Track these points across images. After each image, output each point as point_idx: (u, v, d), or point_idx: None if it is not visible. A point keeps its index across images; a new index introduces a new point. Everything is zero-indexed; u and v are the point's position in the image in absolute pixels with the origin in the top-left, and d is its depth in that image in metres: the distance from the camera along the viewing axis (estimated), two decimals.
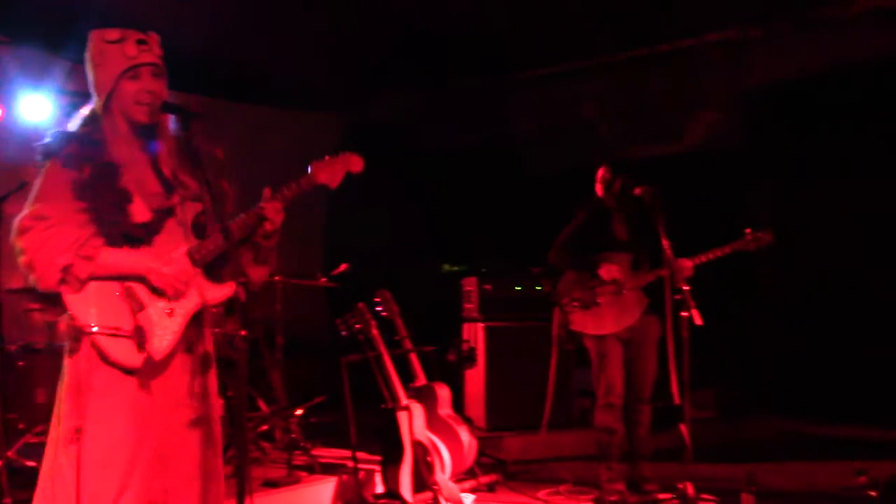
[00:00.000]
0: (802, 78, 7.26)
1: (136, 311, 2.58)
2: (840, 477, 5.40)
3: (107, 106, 2.65)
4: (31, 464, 4.57)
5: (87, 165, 2.59)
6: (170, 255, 2.63)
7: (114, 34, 2.64)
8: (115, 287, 2.58)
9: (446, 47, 7.78)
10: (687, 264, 4.90)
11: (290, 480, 4.82)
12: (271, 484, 4.74)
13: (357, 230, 9.00)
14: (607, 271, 4.99)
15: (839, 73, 7.03)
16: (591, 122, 8.45)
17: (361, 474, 5.01)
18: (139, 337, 2.54)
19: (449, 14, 7.01)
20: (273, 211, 2.69)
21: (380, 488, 5.10)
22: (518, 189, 8.67)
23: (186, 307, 2.64)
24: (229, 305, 2.71)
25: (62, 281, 2.51)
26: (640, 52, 8.04)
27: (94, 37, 2.67)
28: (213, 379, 2.75)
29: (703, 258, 4.93)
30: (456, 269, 9.05)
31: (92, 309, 2.54)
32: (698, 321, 4.52)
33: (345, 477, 4.99)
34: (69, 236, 2.51)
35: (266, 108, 8.93)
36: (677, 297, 4.61)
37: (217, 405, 2.77)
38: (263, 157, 8.63)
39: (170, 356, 2.62)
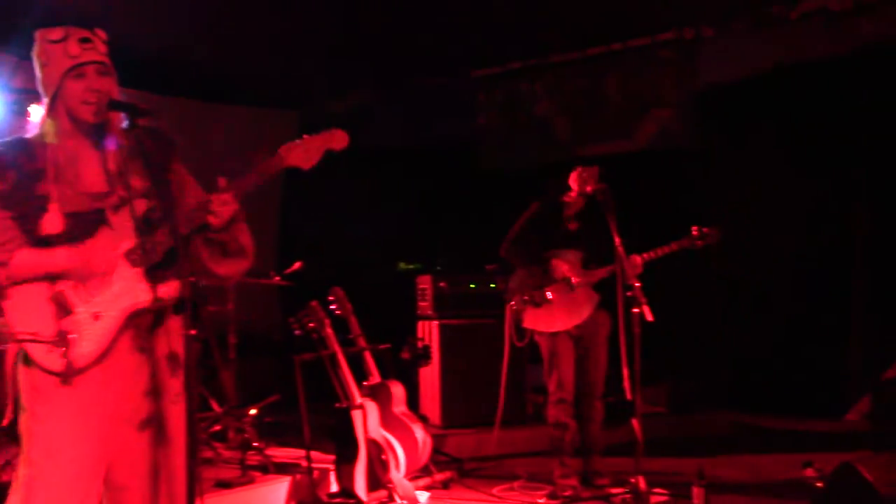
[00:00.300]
0: (752, 77, 7.38)
1: (62, 315, 2.53)
2: (788, 469, 5.52)
3: (53, 106, 2.60)
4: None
5: (12, 173, 2.55)
6: (102, 255, 2.57)
7: (56, 33, 2.59)
8: (43, 292, 2.54)
9: (403, 45, 7.78)
10: (637, 261, 4.97)
11: (243, 481, 4.78)
12: (224, 484, 4.70)
13: (311, 228, 8.97)
14: (558, 269, 5.04)
15: (787, 72, 7.17)
16: (545, 119, 8.51)
17: (316, 473, 4.99)
18: (61, 342, 2.49)
19: (405, 12, 7.00)
20: (218, 203, 2.57)
21: (334, 487, 5.09)
22: (473, 186, 8.70)
23: (117, 309, 2.57)
24: (178, 304, 2.65)
25: None
26: (594, 51, 8.12)
27: (38, 37, 2.63)
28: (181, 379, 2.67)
29: (653, 255, 5.00)
30: (411, 267, 9.05)
31: (17, 313, 2.53)
32: (649, 317, 4.58)
33: (299, 476, 4.96)
34: None
35: (223, 105, 8.87)
36: (629, 293, 4.67)
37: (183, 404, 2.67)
38: (220, 154, 8.59)
39: (103, 358, 2.55)
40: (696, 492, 4.67)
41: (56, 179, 2.56)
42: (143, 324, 2.62)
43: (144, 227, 2.60)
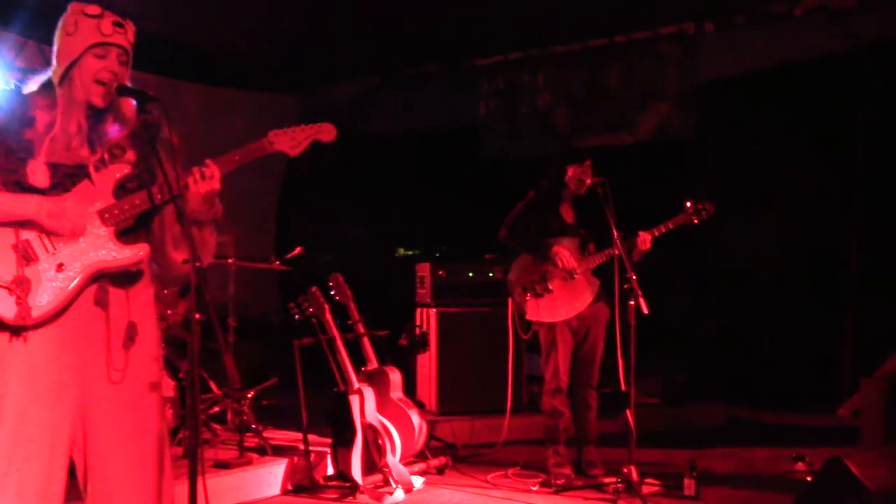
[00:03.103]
0: (752, 71, 7.42)
1: (25, 262, 2.51)
2: (779, 462, 5.59)
3: (67, 73, 2.63)
4: None
5: (0, 115, 2.58)
6: (71, 206, 2.56)
7: (94, 9, 2.63)
8: (9, 236, 2.53)
9: (404, 32, 7.80)
10: (647, 237, 5.00)
11: (241, 462, 4.84)
12: (222, 465, 4.77)
13: (311, 213, 9.00)
14: (560, 259, 5.08)
15: (787, 67, 7.21)
16: (545, 110, 8.54)
17: (312, 456, 5.05)
18: (19, 289, 2.47)
19: None
20: (200, 173, 2.62)
21: (330, 470, 5.15)
22: (473, 175, 8.74)
23: (83, 264, 2.55)
24: (184, 288, 2.69)
25: None
26: (596, 43, 8.14)
27: (73, 7, 2.66)
28: (140, 351, 2.64)
29: (656, 232, 5.02)
30: (410, 253, 9.09)
31: None
32: (645, 310, 4.64)
33: (296, 459, 5.03)
34: None
35: (224, 89, 8.89)
36: (625, 286, 4.73)
37: (149, 373, 2.66)
38: (221, 138, 8.61)
39: (60, 316, 2.53)
40: (688, 483, 4.75)
41: (45, 131, 2.58)
42: (105, 285, 2.60)
43: (122, 190, 2.63)
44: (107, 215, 2.60)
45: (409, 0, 7.02)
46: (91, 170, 2.62)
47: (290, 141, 2.75)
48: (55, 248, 2.56)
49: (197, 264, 2.48)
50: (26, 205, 2.52)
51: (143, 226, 2.68)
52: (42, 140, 2.58)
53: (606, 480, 4.97)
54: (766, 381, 7.44)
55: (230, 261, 5.56)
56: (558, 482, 5.02)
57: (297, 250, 5.90)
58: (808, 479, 5.02)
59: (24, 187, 2.54)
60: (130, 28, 2.68)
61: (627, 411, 4.73)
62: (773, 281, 7.59)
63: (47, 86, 2.67)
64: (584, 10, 7.33)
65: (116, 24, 2.64)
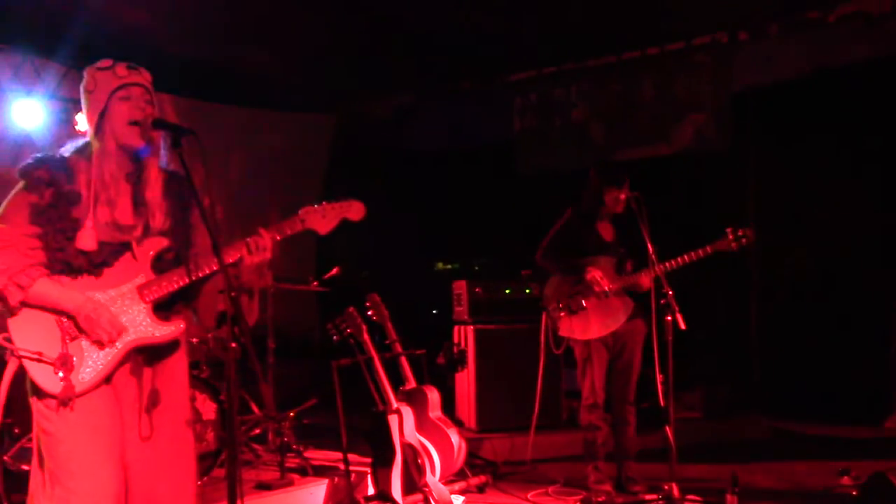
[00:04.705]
0: (787, 81, 7.35)
1: (69, 339, 2.63)
2: (824, 476, 5.50)
3: (99, 128, 2.71)
4: (26, 468, 4.62)
5: (49, 191, 2.65)
6: (114, 289, 2.67)
7: (105, 63, 2.74)
8: (52, 314, 2.64)
9: (440, 49, 7.85)
10: (645, 281, 4.96)
11: (282, 483, 4.88)
12: (264, 486, 4.81)
13: (349, 232, 9.06)
14: (592, 278, 5.06)
15: (823, 75, 7.13)
16: (580, 124, 8.53)
17: (353, 476, 5.08)
18: (63, 366, 2.59)
19: (441, 16, 7.07)
20: (254, 244, 2.70)
21: (371, 490, 5.16)
22: (508, 190, 8.75)
23: (123, 341, 2.66)
24: (220, 317, 2.76)
25: None
26: (629, 56, 8.13)
27: (87, 71, 2.77)
28: (166, 413, 2.77)
29: (679, 261, 4.95)
30: (449, 267, 9.12)
31: (23, 330, 2.62)
32: (682, 326, 4.61)
33: (336, 479, 5.06)
34: (9, 261, 2.59)
35: (262, 110, 9.01)
36: (662, 301, 4.70)
37: (176, 433, 2.78)
38: (260, 159, 8.74)
39: (103, 385, 2.65)
40: (730, 499, 4.69)
41: (91, 204, 2.67)
42: (141, 358, 2.73)
43: (160, 261, 2.72)
44: (146, 291, 2.70)
45: (442, 17, 7.07)
46: (133, 244, 2.71)
47: (321, 219, 2.82)
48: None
49: (233, 294, 2.53)
50: (68, 303, 2.63)
51: (180, 299, 2.77)
52: (87, 213, 2.66)
53: (648, 497, 4.94)
54: (811, 393, 7.33)
55: (268, 283, 5.62)
56: (599, 499, 5.00)
57: (335, 271, 5.95)
58: (854, 493, 4.94)
59: (71, 266, 2.64)
60: (145, 71, 2.77)
61: (667, 427, 4.70)
62: (815, 292, 7.50)
63: (84, 148, 2.75)
64: (617, 24, 7.33)
65: (130, 66, 2.73)
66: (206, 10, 6.79)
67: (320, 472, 5.20)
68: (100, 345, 2.64)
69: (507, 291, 6.79)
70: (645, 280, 5.00)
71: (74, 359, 2.61)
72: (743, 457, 6.12)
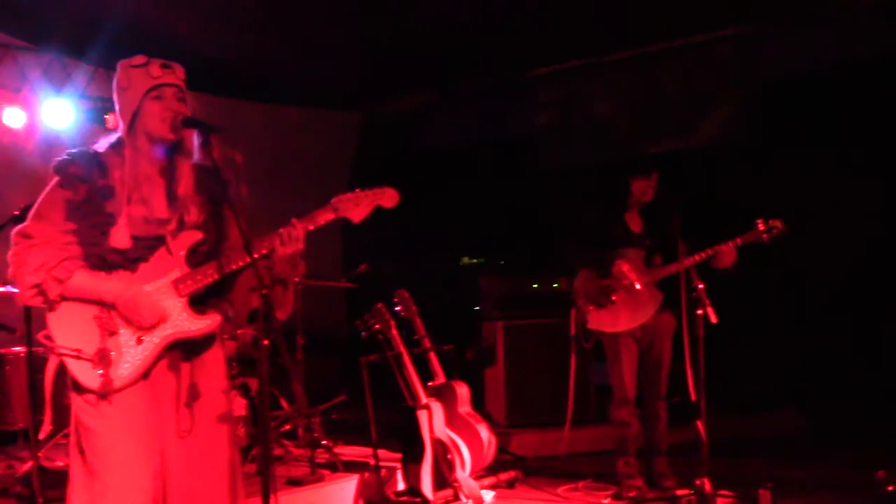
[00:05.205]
0: (815, 71, 7.26)
1: (108, 335, 2.65)
2: (859, 471, 5.42)
3: (132, 126, 2.73)
4: (60, 464, 4.68)
5: (84, 186, 2.67)
6: (150, 284, 2.68)
7: (139, 59, 2.75)
8: (92, 308, 2.66)
9: (461, 45, 7.83)
10: (731, 247, 4.89)
11: (313, 479, 4.90)
12: (295, 482, 4.83)
13: (375, 228, 9.07)
14: (620, 271, 5.03)
15: (850, 66, 7.03)
16: (603, 118, 8.48)
17: (383, 472, 5.09)
18: (101, 361, 2.61)
19: (463, 12, 7.06)
20: (287, 235, 2.71)
21: (401, 485, 5.17)
22: (531, 185, 8.72)
23: (160, 335, 2.69)
24: (252, 314, 2.77)
25: (35, 298, 2.64)
26: (652, 48, 8.06)
27: (120, 65, 2.78)
28: (204, 408, 2.78)
29: (709, 253, 4.89)
30: (475, 261, 9.12)
31: (62, 327, 2.65)
32: (713, 319, 4.56)
33: (366, 475, 5.07)
34: (46, 256, 2.62)
35: (286, 107, 9.04)
36: (693, 294, 4.66)
37: (215, 427, 2.79)
38: (284, 156, 8.76)
39: (141, 380, 2.68)
40: (763, 494, 4.65)
41: (125, 200, 2.69)
42: (179, 352, 2.75)
43: (194, 254, 2.74)
44: (181, 286, 2.72)
45: (463, 12, 7.05)
46: (168, 238, 2.72)
47: (355, 207, 2.81)
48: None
49: (265, 291, 2.54)
50: (107, 292, 2.65)
51: (215, 292, 2.78)
52: (121, 209, 2.68)
53: (679, 492, 4.90)
54: (845, 386, 7.24)
55: (297, 279, 5.63)
56: (630, 494, 4.98)
57: (362, 267, 5.96)
58: (890, 488, 4.87)
59: (105, 261, 2.66)
60: (179, 68, 2.78)
61: (698, 422, 4.66)
62: (848, 283, 7.40)
63: (118, 144, 2.77)
64: (640, 17, 7.27)
65: (164, 65, 2.74)
66: (232, 7, 6.83)
67: (350, 467, 5.20)
68: (139, 339, 2.66)
69: (535, 286, 6.77)
70: (731, 247, 4.90)
71: (112, 354, 2.63)
72: (776, 451, 6.07)
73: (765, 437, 6.67)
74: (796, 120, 7.52)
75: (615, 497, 5.03)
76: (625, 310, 5.08)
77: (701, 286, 4.63)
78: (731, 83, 7.67)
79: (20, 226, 2.69)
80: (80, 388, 2.66)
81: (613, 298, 5.08)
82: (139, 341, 2.67)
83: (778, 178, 7.66)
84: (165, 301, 2.69)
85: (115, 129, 2.85)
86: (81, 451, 2.68)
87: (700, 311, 4.60)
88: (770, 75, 7.51)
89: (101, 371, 2.60)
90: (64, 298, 2.65)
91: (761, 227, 4.95)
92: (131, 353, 2.66)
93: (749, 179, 7.56)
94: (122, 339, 2.66)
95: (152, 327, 2.67)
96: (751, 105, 7.58)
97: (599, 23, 7.48)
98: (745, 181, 7.55)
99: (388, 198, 2.87)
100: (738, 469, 5.51)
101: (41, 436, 4.49)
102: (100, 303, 2.66)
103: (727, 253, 4.88)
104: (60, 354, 2.64)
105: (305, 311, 5.79)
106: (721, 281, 4.99)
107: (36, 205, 2.72)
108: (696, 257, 4.87)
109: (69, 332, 2.65)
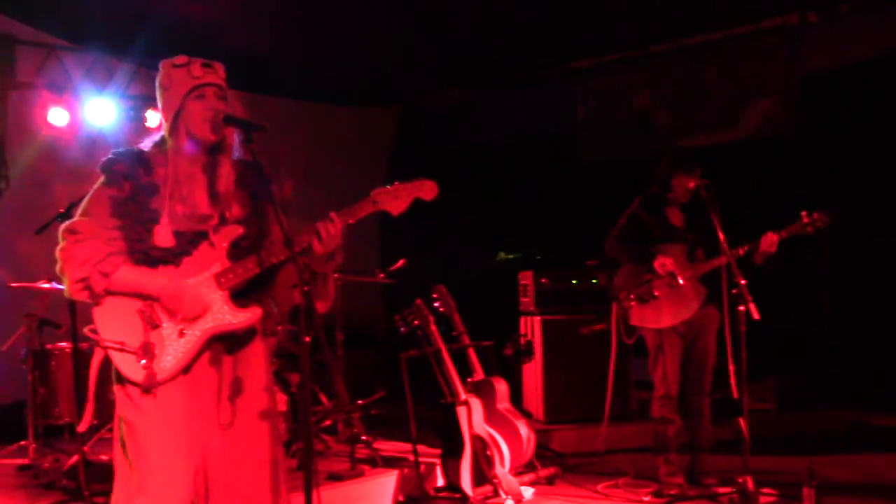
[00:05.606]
0: (857, 63, 7.13)
1: (151, 328, 2.68)
2: None
3: (174, 126, 2.77)
4: (105, 458, 4.75)
5: (129, 184, 2.72)
6: (193, 278, 2.72)
7: (181, 59, 2.78)
8: (136, 303, 2.70)
9: (500, 39, 7.81)
10: (773, 238, 4.85)
11: (353, 474, 4.92)
12: (335, 477, 4.86)
13: (414, 223, 9.08)
14: (661, 265, 4.99)
15: (894, 57, 6.89)
16: (644, 111, 8.41)
17: (422, 467, 5.10)
18: (145, 354, 2.64)
19: (502, 6, 7.04)
20: (324, 230, 2.72)
21: (441, 481, 5.19)
22: (572, 178, 8.68)
23: (202, 329, 2.71)
24: (293, 312, 2.79)
25: (82, 293, 2.69)
26: (693, 41, 7.98)
27: (162, 65, 2.82)
28: (247, 401, 2.79)
29: (752, 247, 4.88)
30: (511, 256, 9.10)
31: (107, 321, 2.70)
32: (755, 315, 4.50)
33: (406, 470, 5.08)
34: (92, 251, 2.67)
35: (323, 104, 9.09)
36: (734, 291, 4.60)
37: (256, 422, 2.80)
38: (321, 153, 8.81)
39: (184, 372, 2.70)
40: (807, 492, 4.57)
41: (169, 197, 2.73)
42: (221, 346, 2.76)
43: (236, 248, 2.76)
44: (222, 279, 2.74)
45: (502, 6, 7.03)
46: (210, 233, 2.76)
47: (394, 200, 2.81)
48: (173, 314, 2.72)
49: (306, 288, 2.55)
50: (151, 285, 2.70)
51: (257, 287, 2.80)
52: (164, 206, 2.72)
53: (721, 490, 4.85)
54: (889, 384, 7.12)
55: (336, 275, 5.67)
56: (671, 492, 4.93)
57: (401, 262, 5.97)
58: None
59: (149, 256, 2.70)
60: (220, 67, 2.80)
61: (741, 419, 4.60)
62: (890, 279, 7.27)
63: (161, 142, 2.82)
64: (681, 9, 7.20)
65: (205, 65, 2.77)
66: (271, 5, 6.88)
67: (390, 463, 5.23)
68: (181, 332, 2.69)
69: (574, 282, 6.74)
70: (772, 238, 4.85)
71: (156, 347, 2.67)
72: (819, 449, 5.98)
73: (807, 435, 6.58)
74: (841, 111, 7.39)
75: (656, 495, 4.98)
76: (668, 305, 5.03)
77: (743, 282, 4.58)
78: (774, 74, 7.56)
79: (67, 222, 2.75)
80: (123, 381, 2.70)
81: (656, 293, 5.03)
82: (181, 334, 2.70)
83: (821, 171, 7.55)
84: (207, 294, 2.73)
85: (157, 128, 2.89)
86: (123, 445, 2.72)
87: (742, 308, 4.54)
88: (815, 65, 7.39)
89: (144, 363, 2.63)
90: (109, 293, 2.70)
91: (806, 219, 4.89)
92: (174, 346, 2.70)
93: (792, 172, 7.45)
94: (165, 332, 2.70)
95: (195, 319, 2.70)
96: (795, 96, 7.47)
97: (640, 15, 7.42)
98: (787, 174, 7.43)
99: (428, 190, 2.86)
100: (781, 467, 5.45)
101: (82, 429, 4.56)
102: (144, 296, 2.71)
103: (770, 245, 4.84)
104: (106, 347, 2.69)
105: (344, 307, 5.82)
106: (763, 276, 4.93)
107: (83, 203, 2.77)
108: (740, 250, 4.83)
109: (114, 325, 2.70)
